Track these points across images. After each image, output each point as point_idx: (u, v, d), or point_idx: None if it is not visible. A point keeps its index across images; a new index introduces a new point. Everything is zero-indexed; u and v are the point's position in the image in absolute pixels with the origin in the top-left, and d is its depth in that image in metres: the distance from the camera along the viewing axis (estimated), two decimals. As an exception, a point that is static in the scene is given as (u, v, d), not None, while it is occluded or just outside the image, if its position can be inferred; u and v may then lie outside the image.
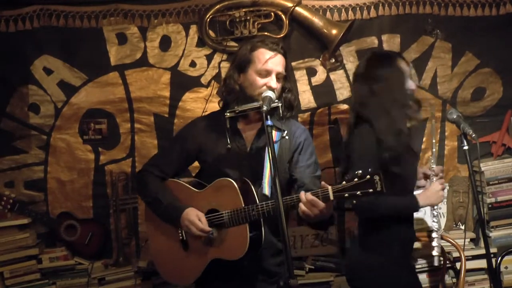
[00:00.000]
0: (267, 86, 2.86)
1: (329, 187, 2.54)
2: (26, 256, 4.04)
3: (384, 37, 4.33)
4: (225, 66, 4.26)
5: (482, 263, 3.89)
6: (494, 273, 3.55)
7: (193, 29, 4.30)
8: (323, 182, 2.63)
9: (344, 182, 2.46)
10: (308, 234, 4.26)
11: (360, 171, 2.41)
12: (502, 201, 4.08)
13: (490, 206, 4.05)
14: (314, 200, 2.58)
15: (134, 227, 4.30)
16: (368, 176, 2.39)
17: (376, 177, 2.37)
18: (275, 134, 2.94)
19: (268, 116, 2.60)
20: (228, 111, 2.93)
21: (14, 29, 4.22)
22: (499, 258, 3.87)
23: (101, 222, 4.26)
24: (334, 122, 4.36)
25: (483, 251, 3.46)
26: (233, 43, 4.27)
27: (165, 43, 4.31)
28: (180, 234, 3.06)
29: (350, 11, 4.31)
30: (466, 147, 2.92)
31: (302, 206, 2.63)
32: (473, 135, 2.88)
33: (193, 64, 4.31)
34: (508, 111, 4.33)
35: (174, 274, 3.17)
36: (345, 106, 4.34)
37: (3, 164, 4.26)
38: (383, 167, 2.69)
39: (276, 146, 2.89)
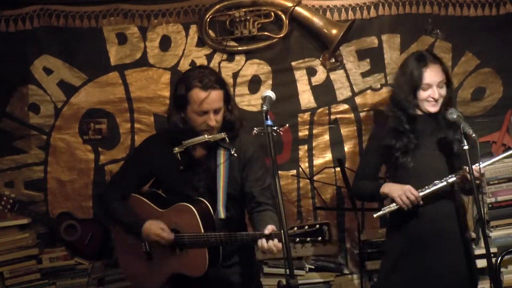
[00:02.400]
0: (205, 125, 2.92)
1: (282, 231, 2.66)
2: (26, 256, 4.05)
3: (384, 37, 4.33)
4: (225, 66, 4.28)
5: (483, 263, 3.87)
6: (494, 273, 3.55)
7: (193, 29, 4.30)
8: (272, 226, 2.77)
9: (295, 228, 2.67)
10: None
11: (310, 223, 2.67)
12: (502, 201, 4.07)
13: (490, 206, 4.05)
14: (270, 248, 2.74)
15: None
16: (317, 226, 2.62)
17: (325, 227, 2.61)
18: (223, 155, 3.02)
19: (268, 116, 2.63)
20: (176, 148, 3.00)
21: (14, 29, 4.22)
22: (499, 258, 3.86)
23: (101, 222, 4.24)
24: (334, 122, 4.36)
25: (483, 251, 3.45)
26: (233, 43, 4.28)
27: (165, 43, 4.31)
28: (144, 247, 3.17)
29: (350, 11, 4.31)
30: (466, 147, 2.92)
31: (260, 253, 2.89)
32: (473, 135, 2.88)
33: (193, 64, 4.30)
34: (508, 111, 4.33)
35: (141, 283, 3.30)
36: (345, 106, 4.34)
37: (3, 164, 4.27)
38: None
39: (226, 164, 3.02)
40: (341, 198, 4.37)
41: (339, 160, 4.18)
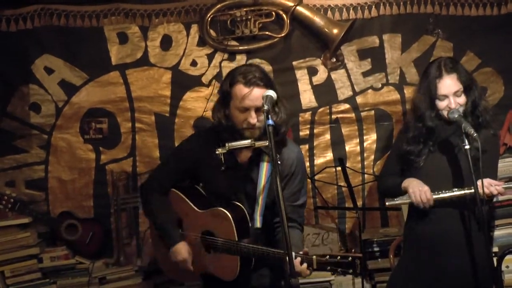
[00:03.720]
0: (247, 123, 2.87)
1: (314, 257, 2.67)
2: (27, 255, 4.04)
3: (385, 37, 4.33)
4: (226, 65, 4.28)
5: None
6: (495, 273, 3.54)
7: (194, 28, 4.31)
8: (307, 249, 2.75)
9: (327, 257, 2.65)
10: (309, 233, 4.26)
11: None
12: (503, 201, 4.06)
13: (491, 205, 4.04)
14: (301, 270, 2.69)
15: (135, 227, 4.30)
16: (350, 259, 2.59)
17: (357, 261, 2.58)
18: (266, 167, 2.97)
19: (269, 116, 2.61)
20: (219, 149, 2.94)
21: (15, 29, 4.23)
22: (501, 257, 3.86)
23: (102, 222, 4.26)
24: (335, 121, 4.36)
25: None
26: (234, 42, 4.28)
27: (166, 43, 4.32)
28: None
29: (351, 10, 4.31)
30: (467, 147, 2.90)
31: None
32: (475, 135, 2.87)
33: (194, 63, 4.32)
34: (509, 111, 4.33)
35: (175, 275, 3.34)
36: (346, 106, 4.35)
37: (4, 163, 4.27)
38: None
39: (268, 173, 2.97)
40: (342, 197, 4.37)
41: (340, 160, 4.18)
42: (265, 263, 2.99)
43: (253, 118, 2.85)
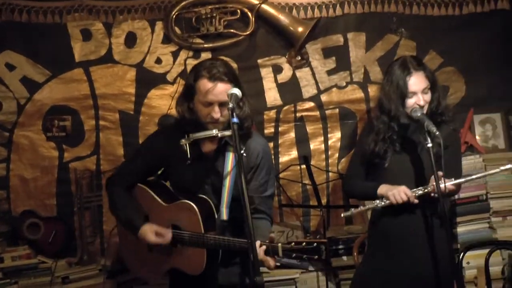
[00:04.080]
0: (210, 117, 2.87)
1: (279, 245, 2.67)
2: (-13, 255, 3.98)
3: (349, 35, 4.37)
4: (191, 63, 4.24)
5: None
6: (456, 268, 3.59)
7: (159, 25, 4.29)
8: (273, 235, 2.77)
9: (292, 244, 2.65)
10: (274, 231, 4.27)
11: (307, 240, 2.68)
12: (465, 198, 4.13)
13: (453, 202, 4.10)
14: (265, 260, 2.70)
15: (98, 225, 4.27)
16: (315, 244, 2.60)
17: (322, 246, 2.59)
18: (232, 158, 2.97)
19: (234, 114, 2.61)
20: (182, 140, 2.95)
21: (-25, 24, 4.16)
22: (462, 254, 3.92)
23: (65, 220, 4.21)
24: (299, 119, 4.38)
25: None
26: (199, 40, 4.27)
27: (131, 40, 4.29)
28: None
29: (316, 9, 4.33)
30: (429, 145, 2.94)
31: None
32: (437, 133, 2.91)
33: (158, 61, 4.30)
34: (470, 109, 4.40)
35: (140, 274, 3.30)
36: (311, 104, 4.37)
37: (-36, 161, 4.19)
38: None
39: (234, 166, 2.97)
40: (306, 195, 4.39)
41: (304, 158, 4.21)
42: (233, 257, 2.99)
43: (216, 113, 2.85)
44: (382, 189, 3.12)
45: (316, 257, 2.59)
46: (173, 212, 3.02)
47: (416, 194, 3.03)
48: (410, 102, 3.10)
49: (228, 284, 3.05)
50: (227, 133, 2.85)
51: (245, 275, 3.06)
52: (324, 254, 2.59)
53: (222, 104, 2.84)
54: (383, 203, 3.09)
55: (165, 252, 3.05)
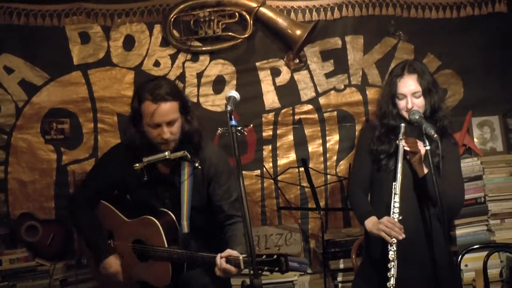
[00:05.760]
0: (160, 138, 2.91)
1: (241, 257, 2.73)
2: (-15, 258, 3.97)
3: (347, 38, 4.37)
4: (189, 66, 4.28)
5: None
6: (455, 271, 3.59)
7: (157, 28, 4.29)
8: (236, 252, 2.78)
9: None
10: (272, 234, 4.27)
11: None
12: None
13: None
14: (227, 268, 2.77)
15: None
16: (275, 257, 2.65)
17: (282, 258, 2.64)
18: (188, 171, 3.02)
19: (233, 116, 2.60)
20: (136, 164, 2.99)
21: (-27, 27, 4.16)
22: (460, 256, 3.91)
23: (63, 223, 4.20)
24: (298, 122, 4.38)
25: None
26: (197, 43, 4.27)
27: (129, 43, 4.29)
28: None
29: (314, 12, 4.34)
30: (428, 147, 2.94)
31: (216, 270, 2.83)
32: (435, 136, 2.91)
33: (157, 63, 4.30)
34: (468, 112, 4.40)
35: (110, 285, 3.29)
36: (309, 107, 4.37)
37: (-38, 164, 4.19)
38: None
39: (190, 178, 3.03)
40: (304, 198, 4.39)
41: (303, 160, 4.20)
42: (199, 265, 3.04)
43: (165, 133, 2.90)
44: (368, 224, 3.10)
45: (277, 268, 2.64)
46: (137, 228, 3.08)
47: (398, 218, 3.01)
48: (401, 104, 3.11)
49: (200, 285, 3.09)
50: (179, 153, 2.93)
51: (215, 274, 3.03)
52: (284, 265, 2.63)
53: (169, 123, 2.90)
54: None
55: (132, 265, 3.10)
